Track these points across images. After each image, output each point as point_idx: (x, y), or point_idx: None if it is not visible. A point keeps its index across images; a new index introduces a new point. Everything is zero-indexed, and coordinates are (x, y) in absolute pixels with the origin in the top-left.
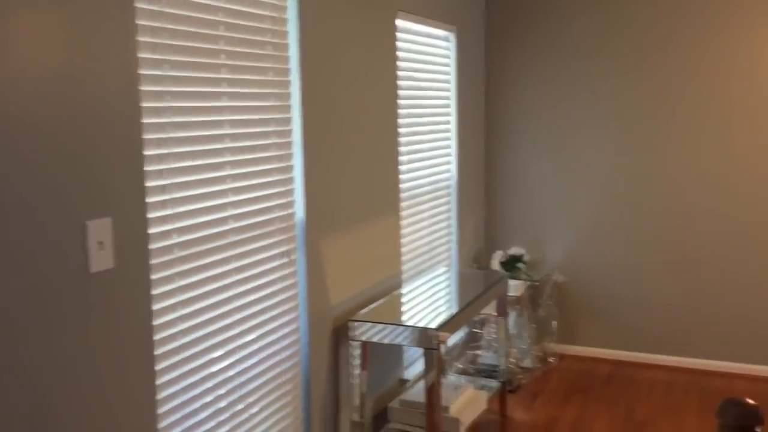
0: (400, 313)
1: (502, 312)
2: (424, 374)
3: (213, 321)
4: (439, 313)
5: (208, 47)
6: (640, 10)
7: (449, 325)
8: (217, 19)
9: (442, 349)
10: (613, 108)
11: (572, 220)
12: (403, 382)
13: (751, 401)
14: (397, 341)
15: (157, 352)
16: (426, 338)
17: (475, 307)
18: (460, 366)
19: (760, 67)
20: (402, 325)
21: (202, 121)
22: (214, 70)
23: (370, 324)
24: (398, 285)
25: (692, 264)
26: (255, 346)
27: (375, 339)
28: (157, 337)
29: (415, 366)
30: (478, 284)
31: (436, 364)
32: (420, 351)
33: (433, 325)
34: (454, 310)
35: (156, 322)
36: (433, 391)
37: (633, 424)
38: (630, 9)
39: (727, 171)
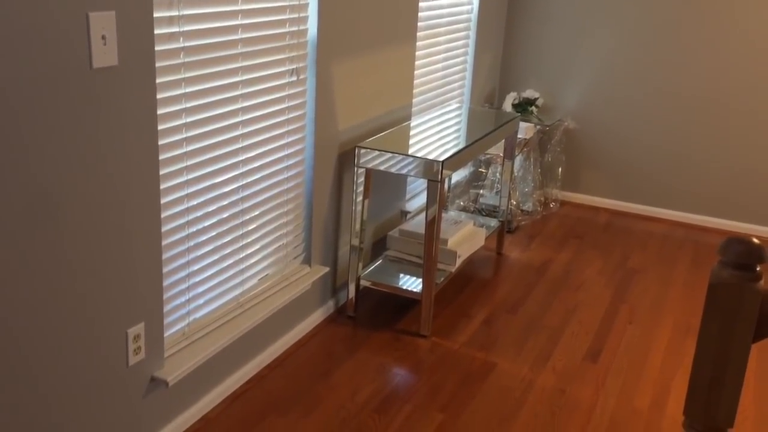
0: (408, 144)
1: (509, 154)
2: (426, 206)
3: (218, 132)
4: (447, 148)
5: None
6: None
7: (455, 160)
8: None
9: (446, 183)
10: None
11: (591, 68)
12: (404, 214)
13: (755, 239)
14: (402, 171)
15: (162, 157)
16: (431, 170)
17: (482, 145)
18: (462, 203)
19: None
20: (408, 156)
21: None
22: None
23: (376, 152)
24: (408, 117)
25: (700, 121)
26: (259, 162)
27: (380, 167)
28: (162, 142)
29: (417, 199)
30: (488, 123)
31: (438, 196)
32: (423, 184)
33: (440, 157)
34: (462, 145)
35: (161, 127)
36: (433, 222)
37: (624, 271)
38: None
39: (745, 30)
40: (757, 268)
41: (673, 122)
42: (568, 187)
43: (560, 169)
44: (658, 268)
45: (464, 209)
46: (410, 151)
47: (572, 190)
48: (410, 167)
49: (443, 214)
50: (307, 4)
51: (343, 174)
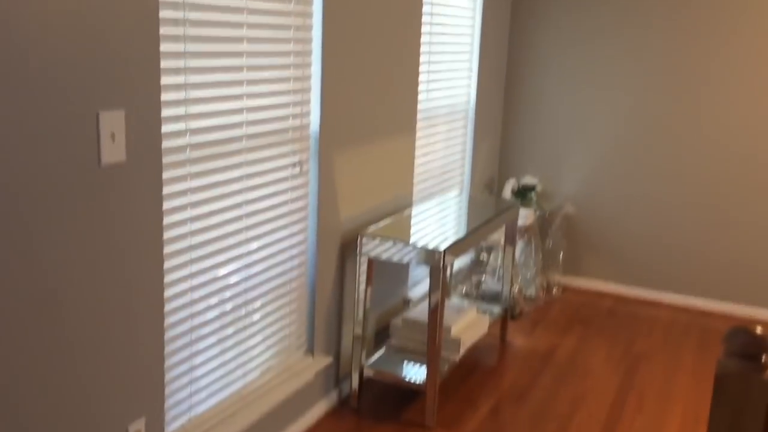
0: (409, 232)
1: (510, 240)
2: (429, 294)
3: (222, 225)
4: (448, 235)
5: None
6: None
7: (457, 248)
8: None
9: (448, 270)
10: (636, 47)
11: (586, 154)
12: (406, 302)
13: (759, 329)
14: (405, 259)
15: (167, 250)
16: (433, 258)
17: (483, 232)
18: (464, 290)
19: None
20: (410, 244)
21: (221, 20)
22: None
23: (378, 240)
24: (409, 205)
25: (701, 204)
26: (262, 254)
27: (382, 256)
28: (167, 235)
29: (419, 287)
30: (488, 210)
31: (441, 284)
32: (425, 271)
33: (442, 246)
34: (463, 233)
35: (166, 221)
36: (436, 310)
37: (630, 357)
38: None
39: (741, 113)
40: (763, 359)
41: (673, 205)
42: (570, 272)
43: (561, 255)
44: (664, 354)
45: (466, 296)
46: (412, 240)
47: (574, 274)
48: (412, 255)
49: (446, 302)
50: (309, 100)
51: (346, 262)
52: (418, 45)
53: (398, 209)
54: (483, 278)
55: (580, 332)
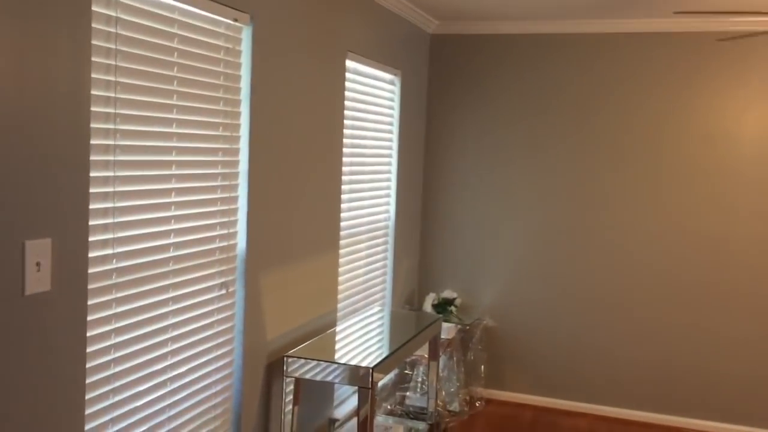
0: (335, 351)
1: (434, 355)
2: (357, 414)
3: (146, 351)
4: (374, 352)
5: (160, 72)
6: (580, 68)
7: (384, 365)
8: (172, 45)
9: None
10: (549, 161)
11: (505, 267)
12: (332, 422)
13: None
14: (332, 379)
15: (89, 380)
16: (361, 377)
17: (409, 347)
18: (389, 407)
19: (692, 124)
20: (337, 363)
21: (150, 146)
22: (165, 96)
23: (305, 360)
24: (333, 322)
25: (616, 313)
26: (187, 379)
27: (309, 376)
28: (89, 365)
29: (344, 405)
30: (412, 325)
31: (370, 403)
32: (350, 390)
33: (369, 363)
34: (389, 350)
35: (89, 349)
36: (366, 430)
37: None
38: (569, 67)
39: (655, 222)
40: None
41: (589, 316)
42: (491, 384)
43: (482, 367)
44: None
45: (391, 413)
46: (337, 358)
47: (496, 387)
48: (340, 374)
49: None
50: (236, 221)
51: (272, 383)
52: (340, 165)
53: (323, 327)
54: (407, 394)
55: None
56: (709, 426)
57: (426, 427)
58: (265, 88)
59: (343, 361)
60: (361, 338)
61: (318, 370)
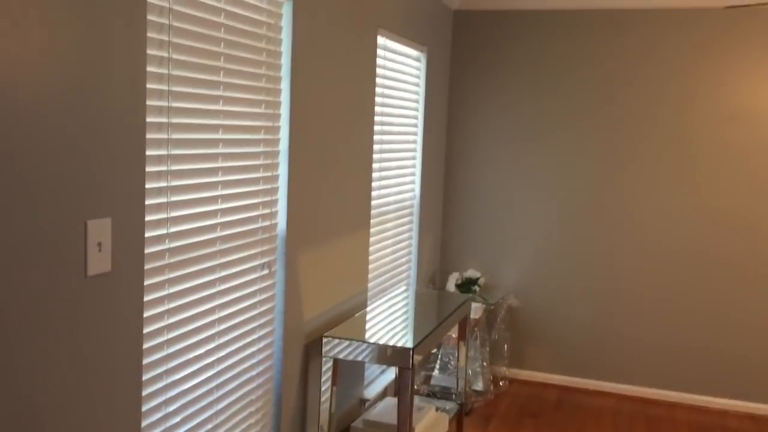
0: (371, 331)
1: (463, 335)
2: (398, 394)
3: (196, 332)
4: (410, 332)
5: (209, 48)
6: (605, 45)
7: (423, 345)
8: (219, 20)
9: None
10: (573, 139)
11: (527, 246)
12: (363, 402)
13: None
14: (370, 359)
15: (146, 361)
16: (401, 357)
17: (444, 327)
18: (415, 387)
19: (720, 101)
20: (377, 344)
21: (200, 124)
22: (213, 72)
23: (344, 341)
24: (364, 303)
25: (639, 293)
26: (232, 360)
27: (348, 357)
28: (145, 345)
29: (373, 385)
30: (442, 305)
31: (410, 383)
32: (378, 370)
33: (407, 343)
34: (426, 330)
35: (146, 330)
36: (406, 411)
37: None
38: (594, 44)
39: (681, 203)
40: None
41: (613, 296)
42: (515, 364)
43: (506, 347)
44: None
45: (417, 392)
46: (375, 338)
47: (519, 367)
48: (378, 354)
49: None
50: (277, 200)
51: (310, 364)
52: (372, 143)
53: (355, 307)
54: (434, 373)
55: (532, 427)
56: (732, 404)
57: (455, 406)
58: (304, 65)
59: (381, 341)
60: (394, 318)
61: (356, 350)
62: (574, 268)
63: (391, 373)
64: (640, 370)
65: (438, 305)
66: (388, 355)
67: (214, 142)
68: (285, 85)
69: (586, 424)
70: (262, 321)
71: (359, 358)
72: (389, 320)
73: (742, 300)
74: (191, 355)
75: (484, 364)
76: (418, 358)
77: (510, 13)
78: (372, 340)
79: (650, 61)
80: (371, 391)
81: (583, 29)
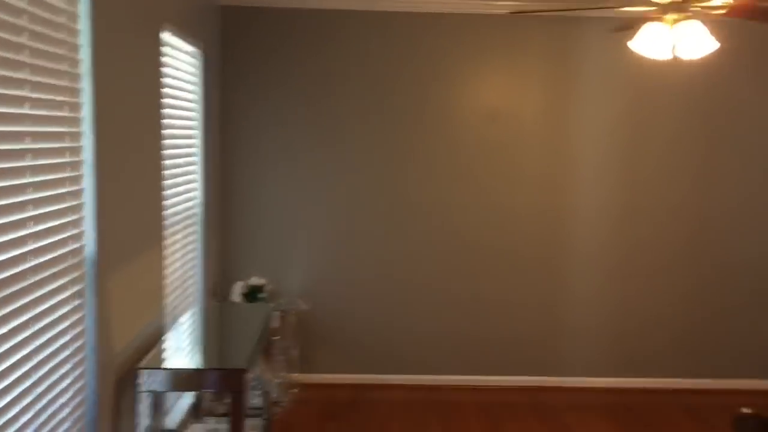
0: (192, 356)
1: (268, 347)
2: (231, 417)
3: None
4: (237, 353)
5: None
6: (378, 46)
7: (251, 364)
8: (20, 23)
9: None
10: (349, 141)
11: (310, 249)
12: None
13: (762, 413)
14: (196, 386)
15: None
16: (234, 380)
17: (261, 341)
18: (207, 409)
19: (480, 102)
20: (205, 370)
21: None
22: (15, 68)
23: (161, 370)
24: (166, 325)
25: (418, 287)
26: (41, 403)
27: (166, 387)
28: None
29: (173, 414)
30: (249, 318)
31: (242, 407)
32: (176, 398)
33: (241, 365)
34: (248, 346)
35: None
36: None
37: None
38: (367, 46)
39: (451, 199)
40: None
41: (394, 292)
42: (305, 369)
43: (296, 353)
44: None
45: (210, 413)
46: (197, 364)
47: (309, 371)
48: (207, 381)
49: (200, 427)
50: (83, 218)
51: (122, 400)
52: (161, 148)
53: (159, 331)
54: None
55: (335, 429)
56: (508, 381)
57: (263, 422)
58: (105, 62)
59: (207, 366)
60: (205, 339)
61: (177, 379)
62: (356, 269)
63: (188, 399)
64: (426, 360)
65: (243, 319)
66: (216, 379)
67: (18, 154)
68: (87, 84)
69: (385, 418)
70: (73, 360)
71: (181, 388)
72: (202, 342)
73: (512, 285)
74: None
75: (282, 373)
76: (248, 377)
77: (273, 10)
78: (195, 366)
79: (416, 63)
80: (171, 421)
81: (354, 30)
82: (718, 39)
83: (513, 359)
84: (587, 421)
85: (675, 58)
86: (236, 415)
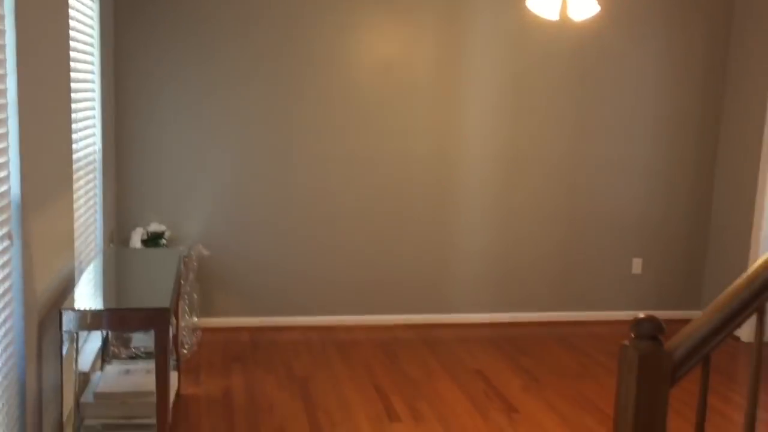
0: (114, 297)
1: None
2: (156, 356)
3: None
4: (157, 293)
5: None
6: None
7: (172, 304)
8: None
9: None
10: (244, 88)
11: (208, 194)
12: (80, 375)
13: (654, 317)
14: (118, 326)
15: None
16: (158, 319)
17: (177, 284)
18: (113, 351)
19: (372, 53)
20: (128, 309)
21: None
22: None
23: (86, 312)
24: (79, 268)
25: (314, 230)
26: None
27: (92, 327)
28: None
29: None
30: (163, 262)
31: (167, 344)
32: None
33: (165, 304)
34: (167, 287)
35: None
36: (164, 376)
37: (298, 380)
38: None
39: (340, 149)
40: (660, 338)
41: (289, 237)
42: (205, 313)
43: (196, 297)
44: (321, 372)
45: (118, 356)
46: (119, 304)
47: (208, 315)
48: (130, 321)
49: (107, 368)
50: (8, 161)
51: (47, 340)
52: (69, 88)
53: (73, 275)
54: (132, 335)
55: (240, 369)
56: (397, 319)
57: (172, 364)
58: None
59: (130, 304)
60: (122, 281)
61: (99, 319)
62: (253, 214)
63: (97, 341)
64: (321, 302)
65: (154, 263)
66: (140, 318)
67: None
68: (9, 25)
69: (288, 357)
70: (2, 301)
71: (103, 328)
72: (119, 284)
73: (403, 230)
74: None
75: (186, 317)
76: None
77: None
78: (118, 306)
79: (304, 16)
80: (83, 363)
81: None
82: (600, 3)
83: (404, 299)
84: (474, 351)
85: (562, 19)
86: (161, 353)
